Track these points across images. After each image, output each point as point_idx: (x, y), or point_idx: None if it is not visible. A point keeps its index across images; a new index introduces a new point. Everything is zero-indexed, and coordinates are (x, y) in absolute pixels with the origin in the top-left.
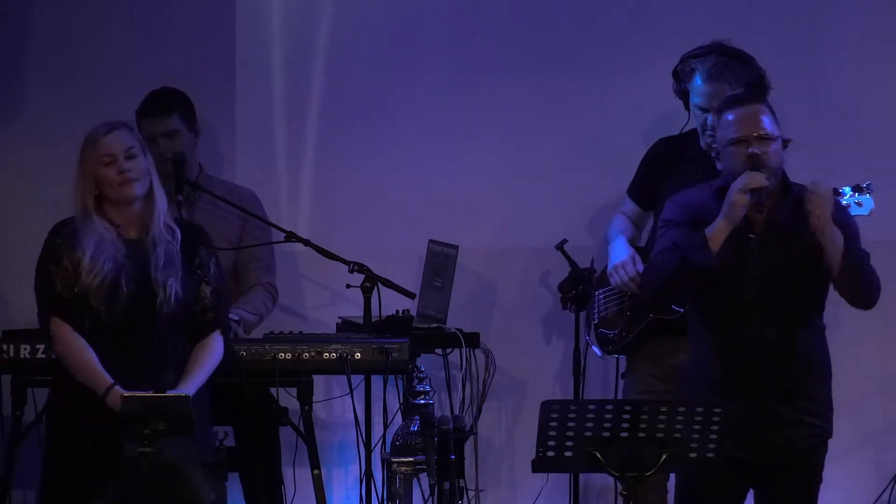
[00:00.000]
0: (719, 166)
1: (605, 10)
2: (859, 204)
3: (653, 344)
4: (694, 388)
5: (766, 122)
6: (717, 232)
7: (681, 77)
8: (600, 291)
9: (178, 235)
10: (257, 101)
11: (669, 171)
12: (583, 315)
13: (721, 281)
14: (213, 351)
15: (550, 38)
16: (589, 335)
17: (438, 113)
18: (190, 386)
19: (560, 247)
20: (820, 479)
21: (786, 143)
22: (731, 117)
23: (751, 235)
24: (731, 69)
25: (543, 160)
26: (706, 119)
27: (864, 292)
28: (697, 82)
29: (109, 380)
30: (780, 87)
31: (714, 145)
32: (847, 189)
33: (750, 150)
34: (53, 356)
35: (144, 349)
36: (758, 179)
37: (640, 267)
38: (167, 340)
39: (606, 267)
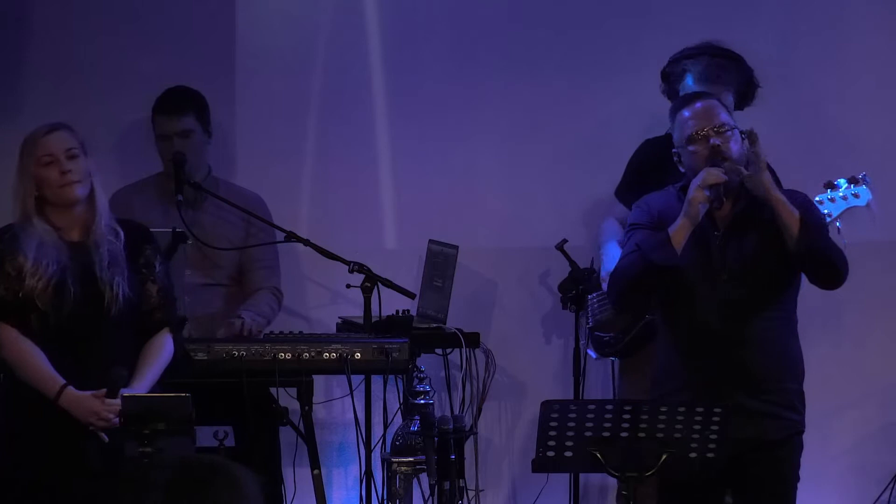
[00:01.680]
0: (681, 168)
1: (605, 10)
2: (856, 195)
3: (650, 345)
4: (663, 386)
5: (722, 115)
6: (678, 230)
7: (671, 78)
8: (594, 295)
9: (122, 236)
10: (257, 101)
11: (657, 171)
12: (582, 316)
13: (687, 278)
14: (161, 350)
15: (550, 38)
16: (584, 339)
17: (438, 113)
18: (141, 386)
19: (560, 247)
20: (797, 477)
21: (743, 133)
22: (686, 114)
23: (716, 233)
24: (723, 70)
25: (543, 160)
26: None
27: (826, 264)
28: (689, 83)
29: (61, 381)
30: (777, 86)
31: (675, 149)
32: (842, 181)
33: (710, 141)
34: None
35: (94, 349)
36: (715, 175)
37: None
38: (117, 340)
39: (599, 271)
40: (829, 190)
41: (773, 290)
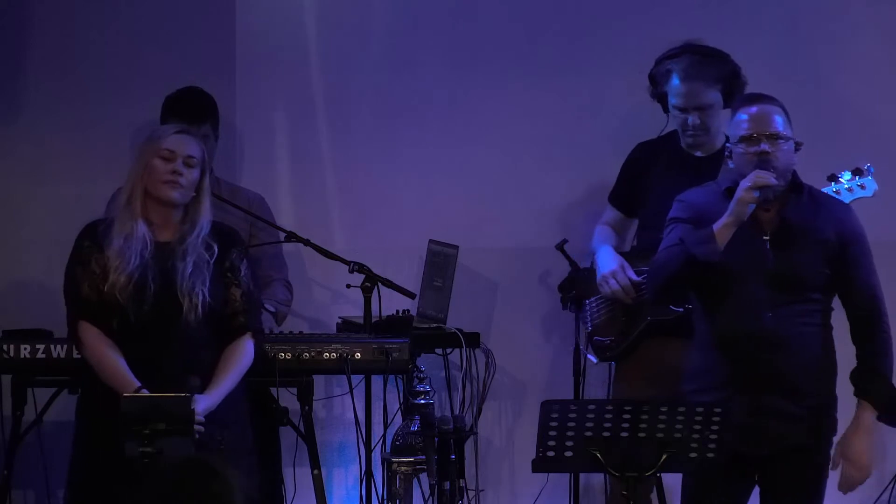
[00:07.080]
0: (730, 164)
1: (604, 12)
2: (862, 186)
3: (644, 347)
4: (699, 381)
5: (778, 122)
6: (723, 227)
7: (657, 80)
8: (591, 300)
9: (216, 253)
10: (257, 101)
11: (650, 174)
12: (581, 320)
13: (731, 278)
14: (243, 354)
15: (550, 39)
16: (583, 344)
17: (439, 113)
18: (220, 390)
19: (560, 247)
20: (826, 475)
21: (798, 145)
22: (743, 116)
23: (765, 238)
24: (706, 67)
25: (543, 160)
26: (686, 119)
27: None
28: (675, 82)
29: (136, 383)
30: (782, 82)
31: (728, 144)
32: (846, 173)
33: (760, 146)
34: (80, 358)
35: (171, 353)
36: (766, 178)
37: (632, 274)
38: (195, 344)
39: (595, 276)
40: (832, 183)
41: (815, 298)
